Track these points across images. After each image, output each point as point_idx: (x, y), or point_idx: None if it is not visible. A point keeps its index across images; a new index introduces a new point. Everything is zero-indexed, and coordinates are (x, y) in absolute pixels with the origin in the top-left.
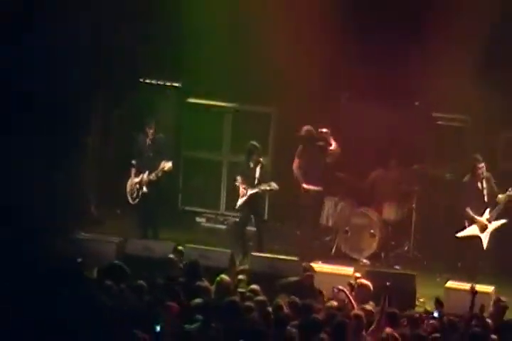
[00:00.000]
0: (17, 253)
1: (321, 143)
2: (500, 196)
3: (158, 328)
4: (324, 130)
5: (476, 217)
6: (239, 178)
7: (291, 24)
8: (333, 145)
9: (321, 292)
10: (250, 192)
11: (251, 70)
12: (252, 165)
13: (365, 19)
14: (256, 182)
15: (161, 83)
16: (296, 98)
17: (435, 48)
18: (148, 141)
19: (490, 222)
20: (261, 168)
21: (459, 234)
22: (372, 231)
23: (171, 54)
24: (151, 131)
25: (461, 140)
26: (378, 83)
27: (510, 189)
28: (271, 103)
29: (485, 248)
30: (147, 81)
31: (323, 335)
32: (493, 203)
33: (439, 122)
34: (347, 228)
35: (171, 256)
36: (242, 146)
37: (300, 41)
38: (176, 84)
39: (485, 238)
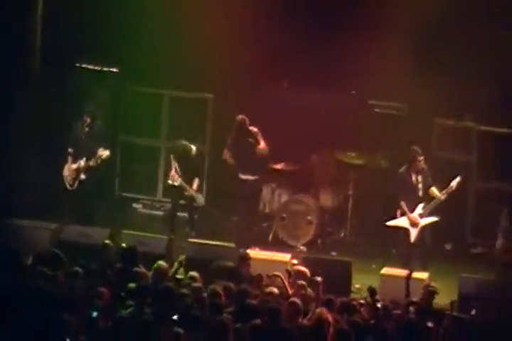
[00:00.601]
0: None
1: (250, 140)
2: (435, 192)
3: (94, 314)
4: (255, 129)
5: (408, 212)
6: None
7: (230, 11)
8: (262, 145)
9: (261, 278)
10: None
11: (190, 56)
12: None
13: (305, 8)
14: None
15: (98, 68)
16: (234, 85)
17: (372, 37)
18: (85, 128)
19: (421, 218)
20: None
21: (389, 223)
22: (309, 217)
23: (109, 40)
24: (89, 118)
25: (397, 127)
26: (317, 71)
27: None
28: (209, 89)
29: (412, 241)
30: (84, 66)
31: (257, 321)
32: (427, 198)
33: (376, 110)
34: (284, 215)
35: (107, 241)
36: (180, 133)
37: (239, 28)
38: (114, 70)
39: (414, 232)
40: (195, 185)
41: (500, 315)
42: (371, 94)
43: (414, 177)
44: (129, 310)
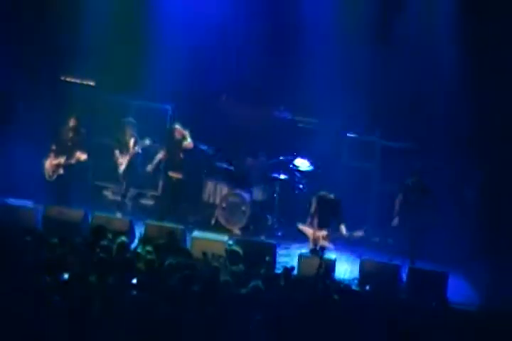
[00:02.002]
0: None
1: (177, 138)
2: (343, 229)
3: (65, 276)
4: (177, 126)
5: (316, 227)
6: (117, 152)
7: (192, 32)
8: (188, 141)
9: (204, 253)
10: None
11: (153, 73)
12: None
13: (246, 42)
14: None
15: (79, 81)
16: (189, 97)
17: (298, 62)
18: (69, 133)
19: (323, 239)
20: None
21: (299, 226)
22: (243, 208)
23: (87, 56)
24: (72, 124)
25: (314, 139)
26: (252, 89)
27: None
28: (168, 100)
29: (309, 248)
30: (67, 79)
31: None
32: (334, 228)
33: (299, 124)
34: (224, 205)
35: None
36: (143, 135)
37: (193, 49)
38: (91, 83)
39: (311, 243)
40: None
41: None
42: (297, 110)
43: (326, 207)
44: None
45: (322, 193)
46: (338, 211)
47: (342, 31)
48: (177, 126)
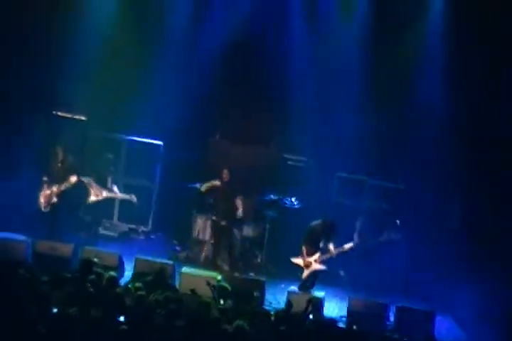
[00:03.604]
0: None
1: None
2: (331, 248)
3: (54, 310)
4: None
5: (305, 256)
6: (90, 179)
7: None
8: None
9: (193, 290)
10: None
11: (145, 110)
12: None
13: (238, 84)
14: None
15: (70, 116)
16: (180, 133)
17: (289, 104)
18: (58, 164)
19: (315, 262)
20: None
21: (292, 259)
22: (233, 240)
23: (79, 92)
24: (61, 153)
25: (304, 177)
26: (244, 129)
27: (344, 246)
28: (160, 137)
29: (303, 277)
30: (59, 113)
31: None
32: (324, 250)
33: (289, 162)
34: (213, 241)
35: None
36: (134, 171)
37: (187, 92)
38: (82, 118)
39: (306, 271)
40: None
41: None
42: (285, 149)
43: (319, 232)
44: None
45: (314, 223)
46: (327, 233)
47: (330, 70)
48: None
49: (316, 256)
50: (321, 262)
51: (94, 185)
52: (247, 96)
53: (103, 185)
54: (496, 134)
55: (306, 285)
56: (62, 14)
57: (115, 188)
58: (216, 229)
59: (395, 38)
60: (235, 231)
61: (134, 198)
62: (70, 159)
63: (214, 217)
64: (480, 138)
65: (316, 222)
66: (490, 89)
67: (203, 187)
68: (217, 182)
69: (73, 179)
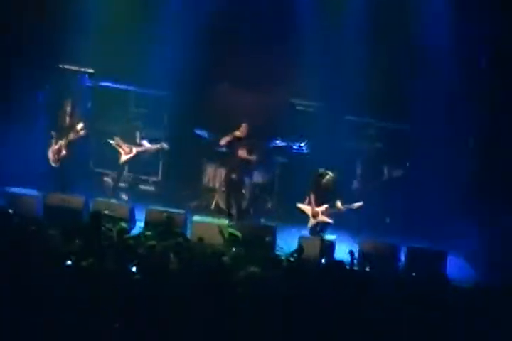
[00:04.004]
0: None
1: None
2: (339, 204)
3: (68, 262)
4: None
5: (313, 205)
6: (117, 138)
7: (185, 26)
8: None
9: (201, 239)
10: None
11: (150, 61)
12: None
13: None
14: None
15: (77, 69)
16: (186, 82)
17: (296, 48)
18: (66, 116)
19: (322, 214)
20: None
21: (298, 205)
22: (243, 191)
23: (85, 44)
24: (69, 108)
25: (313, 121)
26: (251, 75)
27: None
28: (167, 87)
29: (308, 226)
30: (66, 67)
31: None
32: (331, 204)
33: (297, 107)
34: (223, 189)
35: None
36: (142, 122)
37: (194, 39)
38: (90, 70)
39: (312, 220)
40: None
41: None
42: (293, 93)
43: (326, 184)
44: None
45: (320, 171)
46: (335, 188)
47: (338, 11)
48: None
49: (324, 207)
50: (329, 215)
51: (122, 143)
52: (254, 42)
53: (131, 141)
54: (509, 77)
55: (317, 229)
56: None
57: (145, 142)
58: (227, 181)
59: None
60: (246, 179)
61: (164, 145)
62: (77, 112)
63: (225, 170)
64: (494, 78)
65: (322, 171)
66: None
67: (223, 140)
68: (236, 134)
69: (80, 125)
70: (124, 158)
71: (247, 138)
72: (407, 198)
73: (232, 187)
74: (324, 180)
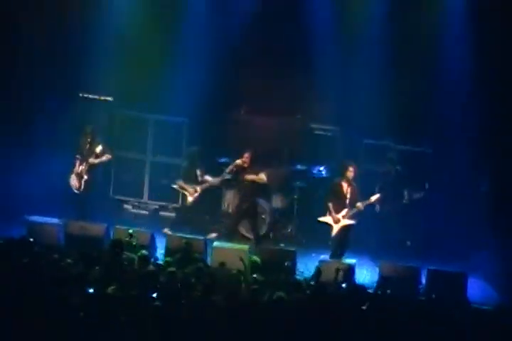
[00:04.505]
0: None
1: None
2: (358, 204)
3: (90, 290)
4: None
5: (333, 212)
6: (180, 182)
7: (203, 53)
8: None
9: (223, 263)
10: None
11: (168, 87)
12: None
13: (260, 53)
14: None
15: (97, 97)
16: (204, 110)
17: (315, 72)
18: (87, 143)
19: (343, 218)
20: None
21: (319, 219)
22: (263, 216)
23: (104, 73)
24: (90, 135)
25: (332, 146)
26: (269, 100)
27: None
28: (184, 114)
29: (333, 235)
30: (85, 95)
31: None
32: (351, 205)
33: (316, 132)
34: (237, 216)
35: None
36: (161, 149)
37: (210, 64)
38: (109, 98)
39: (336, 228)
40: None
41: None
42: (312, 118)
43: (344, 187)
44: (112, 288)
45: (335, 180)
46: (353, 189)
47: (357, 41)
48: None
49: (344, 212)
50: (350, 217)
51: (185, 186)
52: (270, 67)
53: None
54: None
55: (337, 253)
56: None
57: (207, 177)
58: (239, 208)
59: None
60: (264, 204)
61: (226, 176)
62: (98, 140)
63: (238, 198)
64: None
65: (338, 180)
66: None
67: (227, 169)
68: (239, 163)
69: (99, 148)
70: (190, 199)
71: (251, 166)
72: (427, 220)
73: (246, 214)
74: (339, 182)
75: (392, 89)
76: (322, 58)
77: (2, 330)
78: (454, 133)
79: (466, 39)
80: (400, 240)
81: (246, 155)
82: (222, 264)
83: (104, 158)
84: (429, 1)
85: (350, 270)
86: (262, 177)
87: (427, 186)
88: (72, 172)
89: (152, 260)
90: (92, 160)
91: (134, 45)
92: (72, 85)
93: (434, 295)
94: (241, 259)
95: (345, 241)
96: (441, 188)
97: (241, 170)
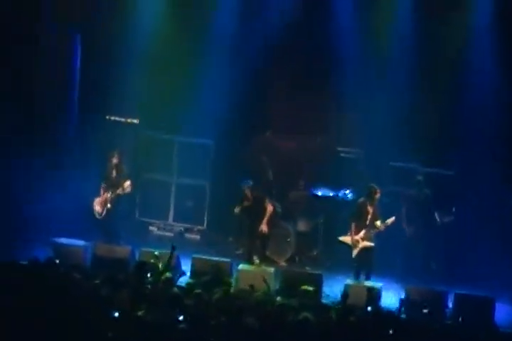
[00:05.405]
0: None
1: None
2: (378, 223)
3: (116, 314)
4: None
5: (353, 234)
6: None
7: (227, 75)
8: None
9: (252, 286)
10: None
11: (194, 109)
12: None
13: (286, 75)
14: None
15: (123, 120)
16: (230, 131)
17: (340, 94)
18: (113, 169)
19: (362, 240)
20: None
21: (339, 238)
22: (288, 239)
23: (131, 96)
24: (116, 159)
25: (357, 168)
26: (295, 123)
27: (387, 220)
28: (210, 136)
29: (353, 256)
30: (112, 118)
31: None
32: (370, 226)
33: (342, 154)
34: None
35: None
36: (187, 170)
37: (234, 86)
38: (135, 121)
39: (354, 250)
40: None
41: None
42: (337, 141)
43: (368, 208)
44: (142, 312)
45: (360, 200)
46: (374, 209)
47: (382, 63)
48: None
49: (362, 233)
50: (369, 239)
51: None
52: (296, 89)
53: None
54: None
55: (360, 275)
56: (109, 15)
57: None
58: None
59: (445, 18)
60: (287, 226)
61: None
62: (125, 169)
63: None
64: None
65: (364, 200)
66: None
67: (236, 210)
68: (245, 204)
69: (126, 184)
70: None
71: (254, 200)
72: (452, 243)
73: (258, 237)
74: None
75: (418, 110)
76: (347, 80)
77: None
78: (480, 155)
79: (494, 58)
80: (426, 263)
81: (246, 191)
82: (252, 287)
83: (129, 189)
84: (455, 18)
85: (376, 293)
86: (269, 209)
87: (453, 209)
88: (97, 197)
89: (178, 279)
90: (119, 191)
91: (159, 67)
92: (100, 108)
93: (461, 319)
94: (265, 281)
95: (368, 264)
96: (468, 210)
97: (250, 208)
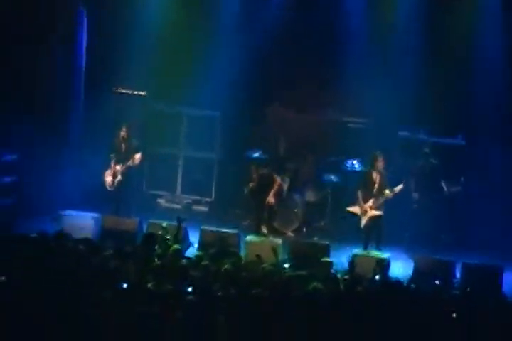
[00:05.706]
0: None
1: None
2: (386, 191)
3: (124, 285)
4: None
5: (361, 202)
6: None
7: (235, 47)
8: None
9: (258, 256)
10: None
11: (202, 81)
12: None
13: (293, 47)
14: None
15: (131, 92)
16: (237, 103)
17: (347, 63)
18: (122, 142)
19: (371, 209)
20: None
21: (347, 208)
22: (295, 210)
23: (138, 68)
24: (124, 133)
25: (365, 139)
26: (302, 94)
27: (394, 188)
28: (217, 108)
29: (361, 226)
30: (119, 90)
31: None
32: (379, 195)
33: (349, 125)
34: (276, 208)
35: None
36: (195, 143)
37: (244, 59)
38: (142, 93)
39: (363, 219)
40: None
41: None
42: (345, 111)
43: (374, 176)
44: (151, 284)
45: (366, 170)
46: (382, 176)
47: (387, 27)
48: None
49: (371, 202)
50: (377, 208)
51: None
52: (303, 60)
53: None
54: None
55: (370, 245)
56: None
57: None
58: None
59: None
60: (295, 197)
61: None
62: (134, 142)
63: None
64: None
65: (369, 169)
66: None
67: (245, 191)
68: (252, 184)
69: (137, 156)
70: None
71: (261, 178)
72: (462, 213)
73: (266, 209)
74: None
75: (427, 80)
76: (355, 50)
77: (37, 320)
78: (488, 125)
79: (504, 27)
80: (435, 233)
81: (254, 175)
82: (258, 257)
83: (139, 161)
84: None
85: (384, 263)
86: (277, 182)
87: (462, 179)
88: (107, 169)
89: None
90: (129, 163)
91: (167, 40)
92: (107, 81)
93: (468, 289)
94: (273, 250)
95: (377, 233)
96: (477, 180)
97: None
